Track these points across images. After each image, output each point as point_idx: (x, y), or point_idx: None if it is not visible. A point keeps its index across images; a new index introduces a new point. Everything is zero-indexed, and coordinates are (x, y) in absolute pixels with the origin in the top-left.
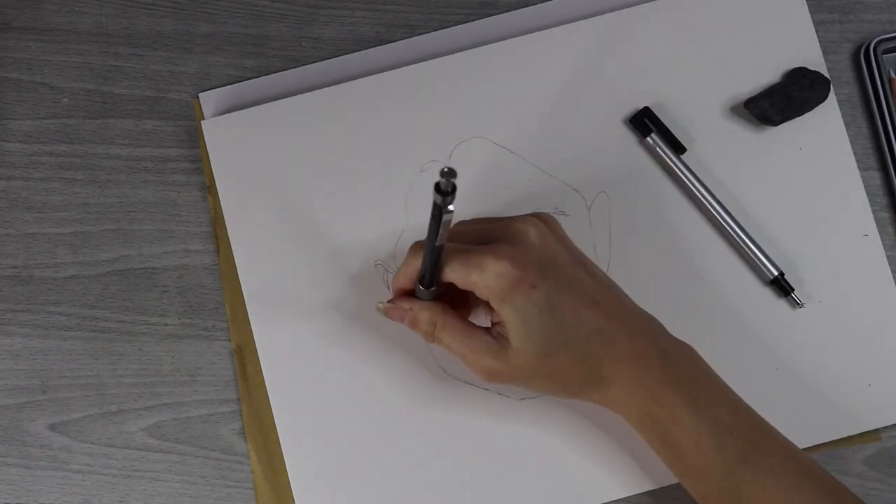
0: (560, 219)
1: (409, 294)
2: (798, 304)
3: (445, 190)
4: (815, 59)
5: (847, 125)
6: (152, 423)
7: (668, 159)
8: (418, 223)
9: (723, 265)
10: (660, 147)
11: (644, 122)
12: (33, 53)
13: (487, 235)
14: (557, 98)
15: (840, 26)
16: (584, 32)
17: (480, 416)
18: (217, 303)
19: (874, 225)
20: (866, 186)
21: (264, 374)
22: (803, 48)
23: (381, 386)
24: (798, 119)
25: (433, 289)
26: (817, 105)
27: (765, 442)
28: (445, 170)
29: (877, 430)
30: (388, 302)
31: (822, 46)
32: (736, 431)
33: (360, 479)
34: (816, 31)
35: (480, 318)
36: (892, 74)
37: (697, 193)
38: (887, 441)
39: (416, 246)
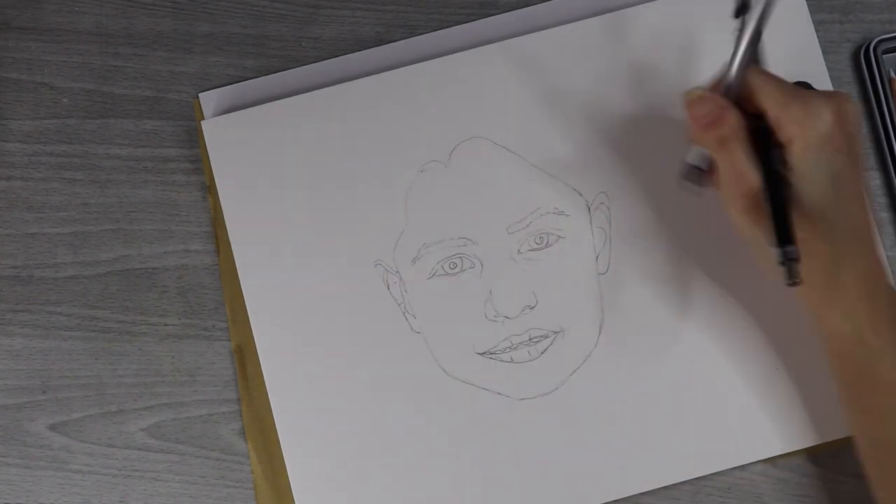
0: (560, 219)
1: None
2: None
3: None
4: (815, 59)
5: None
6: (152, 423)
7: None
8: (418, 223)
9: (733, 258)
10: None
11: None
12: (33, 53)
13: (808, 90)
14: (557, 98)
15: (840, 26)
16: (585, 32)
17: (480, 416)
18: (217, 303)
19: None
20: (866, 186)
21: (264, 374)
22: (803, 48)
23: (381, 386)
24: None
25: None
26: None
27: None
28: None
29: None
30: (705, 92)
31: (822, 46)
32: None
33: (360, 479)
34: (816, 31)
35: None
36: (892, 74)
37: None
38: None
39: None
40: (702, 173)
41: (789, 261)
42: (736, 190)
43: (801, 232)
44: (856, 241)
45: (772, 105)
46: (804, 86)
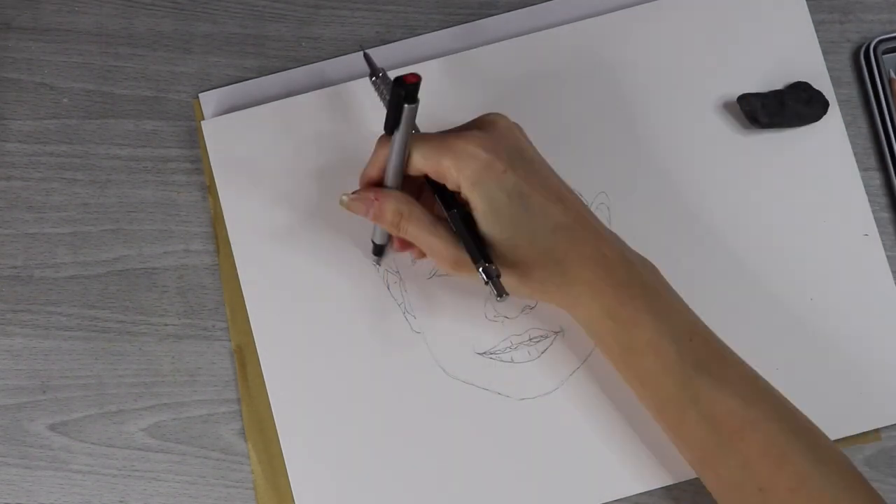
0: None
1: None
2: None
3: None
4: (815, 59)
5: (847, 125)
6: (152, 423)
7: None
8: None
9: (733, 258)
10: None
11: None
12: (33, 53)
13: (453, 133)
14: (557, 98)
15: (840, 26)
16: (584, 32)
17: (480, 416)
18: (217, 303)
19: (874, 225)
20: (866, 186)
21: (264, 374)
22: (803, 48)
23: (381, 386)
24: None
25: (397, 184)
26: (811, 122)
27: (721, 353)
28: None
29: (877, 430)
30: (353, 193)
31: (822, 46)
32: (695, 339)
33: (360, 479)
34: (816, 31)
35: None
36: (892, 74)
37: None
38: (887, 441)
39: (384, 138)
40: (385, 247)
41: (491, 279)
42: (435, 258)
43: (513, 255)
44: (567, 236)
45: (426, 165)
46: (802, 85)
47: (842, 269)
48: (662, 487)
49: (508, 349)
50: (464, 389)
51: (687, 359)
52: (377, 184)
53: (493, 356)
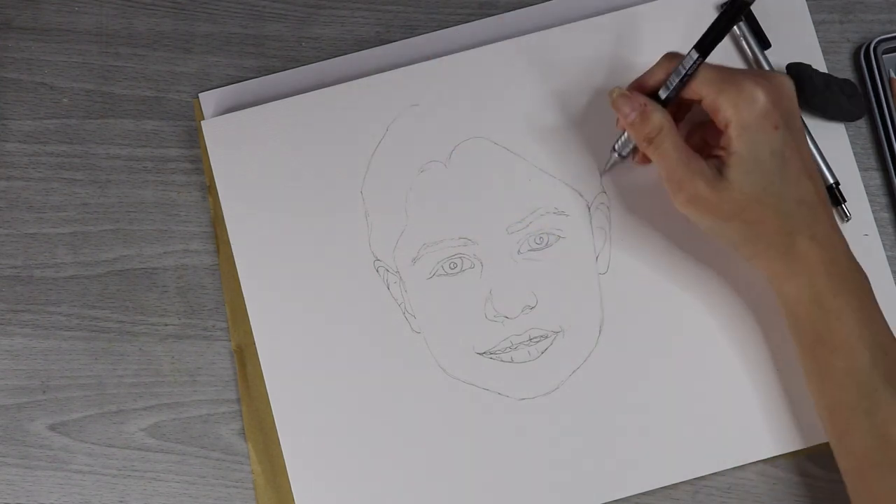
0: (560, 219)
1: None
2: (847, 216)
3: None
4: (815, 59)
5: (847, 125)
6: (152, 423)
7: (751, 51)
8: (418, 223)
9: (733, 259)
10: (746, 38)
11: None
12: (33, 53)
13: (742, 71)
14: (557, 98)
15: (840, 26)
16: (584, 32)
17: (480, 416)
18: (217, 303)
19: (874, 225)
20: (866, 186)
21: (264, 374)
22: (803, 48)
23: (382, 386)
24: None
25: (668, 101)
26: (843, 120)
27: None
28: None
29: None
30: (626, 91)
31: (822, 46)
32: (890, 354)
33: (360, 479)
34: (816, 31)
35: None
36: (892, 74)
37: None
38: None
39: (672, 54)
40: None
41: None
42: (673, 185)
43: (752, 212)
44: (808, 212)
45: (706, 90)
46: (852, 84)
47: None
48: (662, 487)
49: (508, 349)
50: (464, 389)
51: (877, 370)
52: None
53: (493, 356)
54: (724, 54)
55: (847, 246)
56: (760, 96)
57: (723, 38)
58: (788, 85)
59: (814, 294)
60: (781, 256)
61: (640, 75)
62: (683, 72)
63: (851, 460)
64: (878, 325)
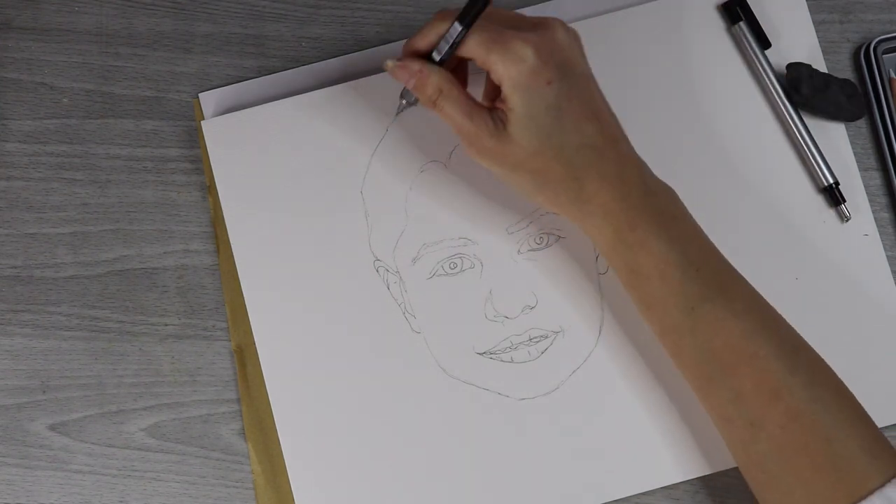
0: (560, 219)
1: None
2: (846, 216)
3: None
4: (815, 59)
5: (847, 125)
6: (152, 423)
7: (751, 51)
8: (418, 223)
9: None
10: (745, 38)
11: (735, 10)
12: (33, 53)
13: (517, 25)
14: None
15: (840, 26)
16: (584, 32)
17: (480, 416)
18: (217, 303)
19: (874, 225)
20: (866, 186)
21: (264, 374)
22: (803, 48)
23: (381, 386)
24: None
25: (443, 60)
26: (842, 120)
27: (731, 285)
28: None
29: None
30: (398, 60)
31: (822, 46)
32: (703, 269)
33: (360, 479)
34: (816, 31)
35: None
36: (892, 74)
37: (772, 88)
38: None
39: (445, 14)
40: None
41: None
42: (463, 139)
43: (535, 162)
44: (592, 154)
45: (476, 51)
46: (852, 84)
47: (842, 269)
48: (662, 487)
49: (508, 349)
50: (464, 389)
51: (692, 287)
52: (422, 56)
53: (493, 356)
54: (724, 53)
55: (644, 175)
56: (528, 54)
57: (484, 9)
58: (561, 35)
59: (613, 231)
60: (573, 201)
61: (412, 36)
62: (451, 41)
63: (691, 380)
64: (687, 243)
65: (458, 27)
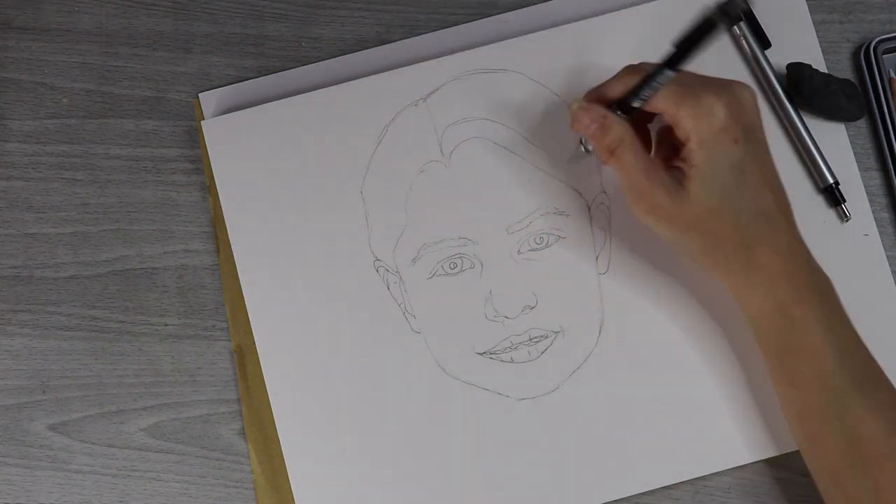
0: (560, 219)
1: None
2: (846, 216)
3: (733, 16)
4: (815, 59)
5: (847, 125)
6: (152, 423)
7: (751, 51)
8: (418, 223)
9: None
10: (745, 38)
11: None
12: (33, 53)
13: (703, 82)
14: (558, 98)
15: (840, 26)
16: (584, 33)
17: (480, 416)
18: (217, 303)
19: (874, 225)
20: (866, 186)
21: (264, 374)
22: (803, 48)
23: (381, 386)
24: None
25: (627, 116)
26: (842, 120)
27: (877, 377)
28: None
29: None
30: (584, 102)
31: (822, 46)
32: (855, 357)
33: (359, 479)
34: (816, 31)
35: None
36: (892, 74)
37: (771, 89)
38: None
39: (634, 67)
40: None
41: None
42: (633, 195)
43: (710, 224)
44: (767, 223)
45: (665, 105)
46: (853, 85)
47: (842, 269)
48: (662, 487)
49: (508, 349)
50: (464, 389)
51: (845, 373)
52: (605, 105)
53: (493, 356)
54: (724, 54)
55: (809, 254)
56: (720, 110)
57: (695, 55)
58: (749, 95)
59: (776, 304)
60: (741, 268)
61: (598, 85)
62: (656, 86)
63: (824, 463)
64: (843, 329)
65: (669, 73)
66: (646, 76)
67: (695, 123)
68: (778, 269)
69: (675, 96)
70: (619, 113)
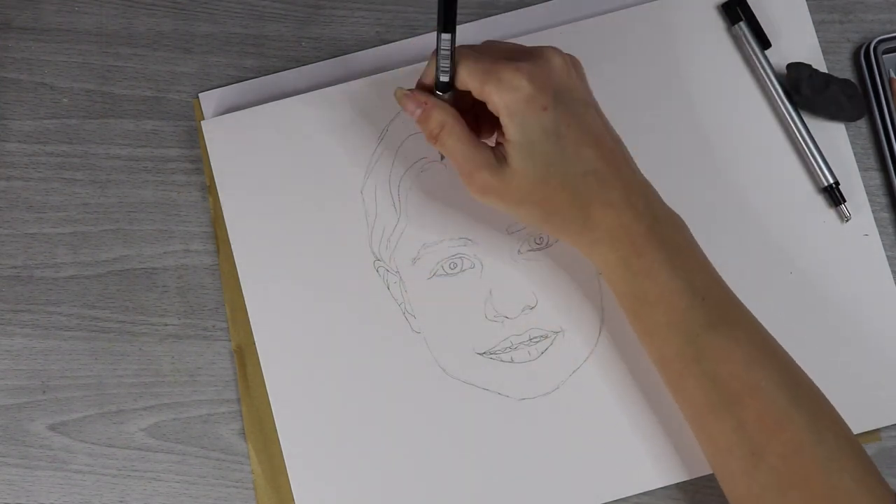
0: None
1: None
2: (846, 216)
3: None
4: (815, 59)
5: (847, 125)
6: (152, 423)
7: (751, 51)
8: (418, 223)
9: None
10: (746, 37)
11: (735, 10)
12: (33, 53)
13: (513, 55)
14: None
15: (840, 26)
16: (585, 33)
17: (480, 416)
18: (217, 303)
19: (874, 225)
20: (866, 186)
21: (264, 374)
22: (803, 48)
23: (381, 386)
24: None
25: (448, 95)
26: (842, 120)
27: (735, 314)
28: None
29: (877, 430)
30: (409, 90)
31: (822, 46)
32: (708, 298)
33: (360, 479)
34: (816, 31)
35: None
36: (892, 74)
37: (771, 88)
38: (887, 441)
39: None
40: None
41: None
42: (464, 177)
43: (540, 193)
44: (596, 181)
45: (472, 82)
46: (852, 85)
47: (842, 269)
48: (662, 487)
49: (508, 349)
50: (464, 389)
51: (696, 316)
52: (430, 91)
53: (493, 356)
54: (724, 54)
55: (649, 196)
56: (522, 82)
57: (454, 9)
58: (557, 62)
59: (619, 258)
60: (580, 230)
61: (423, 71)
62: (446, 54)
63: (691, 409)
64: (693, 272)
65: (444, 37)
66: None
67: (500, 97)
68: (614, 224)
69: (479, 73)
70: (440, 95)
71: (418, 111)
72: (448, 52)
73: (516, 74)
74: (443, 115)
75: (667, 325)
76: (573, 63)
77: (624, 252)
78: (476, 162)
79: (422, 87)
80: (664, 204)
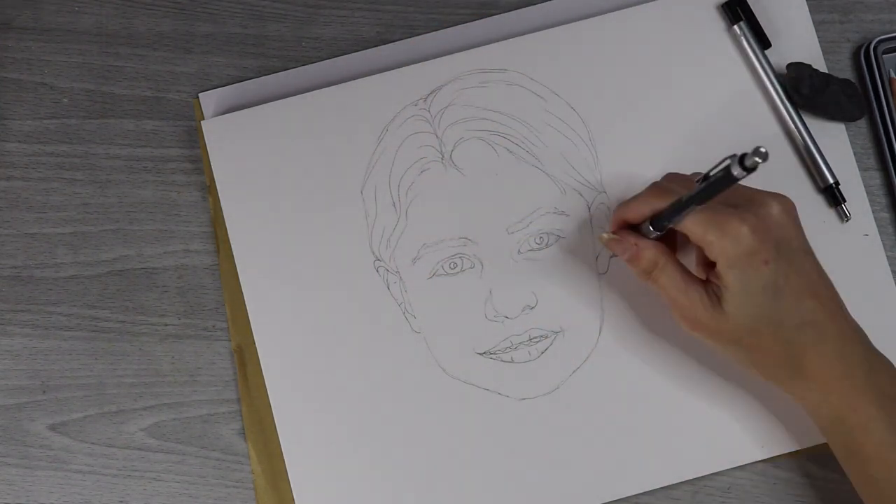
0: (560, 219)
1: (631, 229)
2: (846, 216)
3: (751, 168)
4: (815, 59)
5: (847, 125)
6: (152, 423)
7: (751, 51)
8: (418, 223)
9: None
10: (746, 37)
11: (735, 10)
12: (33, 53)
13: (731, 199)
14: (557, 97)
15: (840, 26)
16: (585, 32)
17: (480, 416)
18: (217, 303)
19: (874, 225)
20: (866, 186)
21: (264, 374)
22: (803, 48)
23: (381, 386)
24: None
25: (658, 233)
26: (842, 120)
27: None
28: (762, 150)
29: None
30: (613, 233)
31: (822, 46)
32: None
33: (360, 480)
34: (816, 31)
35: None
36: (892, 74)
37: (771, 88)
38: None
39: (659, 188)
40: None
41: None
42: (676, 312)
43: (751, 340)
44: (813, 331)
45: (692, 228)
46: (853, 85)
47: (842, 269)
48: (662, 487)
49: (508, 349)
50: (464, 389)
51: None
52: (632, 224)
53: (493, 356)
54: (724, 53)
55: (865, 351)
56: (745, 234)
57: (720, 192)
58: (777, 211)
59: (832, 411)
60: (792, 378)
61: (626, 202)
62: (679, 220)
63: None
64: None
65: (696, 209)
66: (672, 206)
67: (721, 248)
68: (828, 376)
69: (701, 220)
70: (651, 228)
71: (627, 254)
72: (684, 217)
73: (740, 225)
74: (655, 255)
75: (885, 481)
76: (790, 208)
77: (837, 405)
78: (690, 299)
79: (622, 222)
80: (876, 350)
